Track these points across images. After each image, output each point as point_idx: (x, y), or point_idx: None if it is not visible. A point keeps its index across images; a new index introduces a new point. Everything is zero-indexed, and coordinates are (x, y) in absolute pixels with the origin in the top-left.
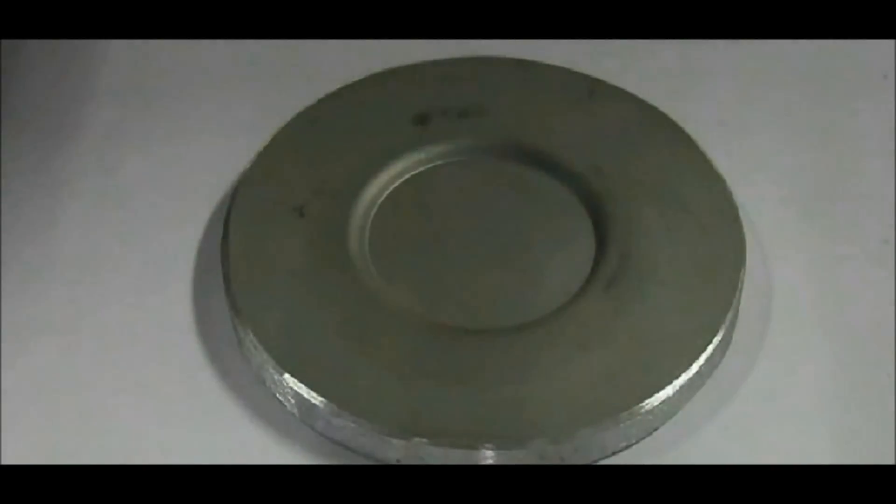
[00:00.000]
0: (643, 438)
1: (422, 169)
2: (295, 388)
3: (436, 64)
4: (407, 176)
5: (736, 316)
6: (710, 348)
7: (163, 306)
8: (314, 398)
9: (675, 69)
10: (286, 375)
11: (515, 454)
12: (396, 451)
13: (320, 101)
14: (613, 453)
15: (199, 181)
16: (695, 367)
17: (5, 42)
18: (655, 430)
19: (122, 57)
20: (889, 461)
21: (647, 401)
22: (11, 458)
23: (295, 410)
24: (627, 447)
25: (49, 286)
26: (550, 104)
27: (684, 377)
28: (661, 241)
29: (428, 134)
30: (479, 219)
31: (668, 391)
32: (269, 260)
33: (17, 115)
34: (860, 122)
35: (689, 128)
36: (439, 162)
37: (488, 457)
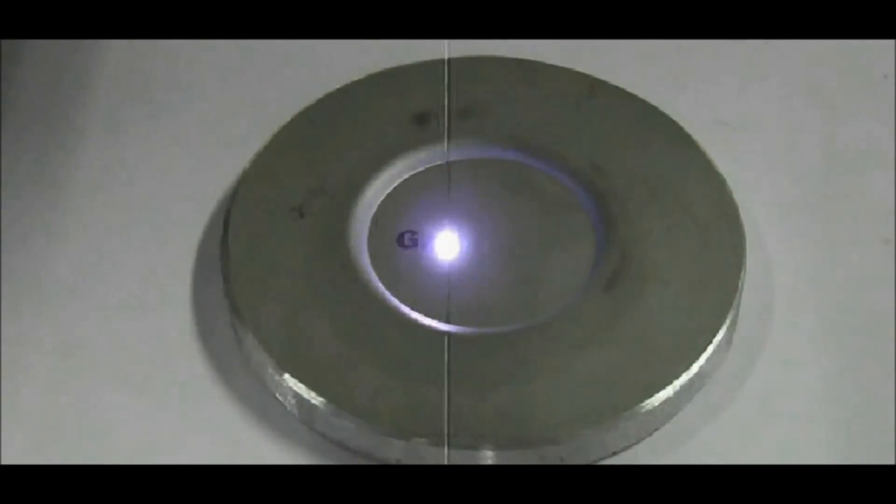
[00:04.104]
0: (643, 438)
1: (422, 169)
2: (295, 388)
3: (436, 64)
4: (407, 176)
5: (736, 316)
6: (710, 348)
7: (162, 306)
8: (314, 398)
9: (675, 69)
10: (286, 375)
11: (515, 454)
12: (396, 451)
13: (320, 101)
14: (614, 453)
15: (199, 181)
16: (695, 368)
17: (5, 42)
18: (655, 430)
19: (122, 57)
20: (889, 461)
21: (647, 401)
22: (11, 458)
23: (295, 410)
24: (627, 447)
25: (48, 286)
26: (550, 104)
27: (684, 377)
28: (661, 241)
29: (428, 134)
30: (480, 218)
31: (669, 391)
32: (269, 260)
33: (17, 115)
34: (860, 122)
35: (689, 128)
36: (439, 162)
37: (488, 457)
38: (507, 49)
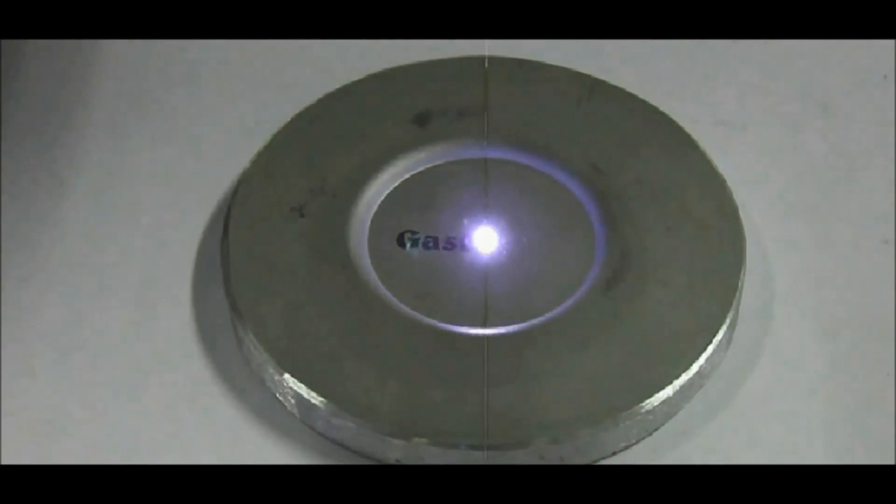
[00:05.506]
0: (643, 438)
1: (422, 169)
2: (295, 388)
3: (436, 64)
4: (407, 176)
5: (736, 316)
6: (710, 348)
7: (162, 306)
8: (314, 398)
9: (675, 69)
10: (286, 375)
11: (515, 454)
12: (396, 451)
13: (320, 101)
14: (613, 453)
15: (199, 181)
16: (695, 367)
17: (5, 42)
18: (655, 430)
19: (122, 57)
20: (889, 461)
21: (647, 401)
22: (11, 458)
23: (295, 410)
24: (627, 447)
25: (48, 286)
26: (550, 104)
27: (684, 377)
28: (661, 241)
29: (428, 134)
30: (479, 218)
31: (668, 391)
32: (269, 260)
33: (17, 115)
34: (860, 122)
35: (689, 128)
36: (439, 162)
37: (488, 457)
38: (508, 49)
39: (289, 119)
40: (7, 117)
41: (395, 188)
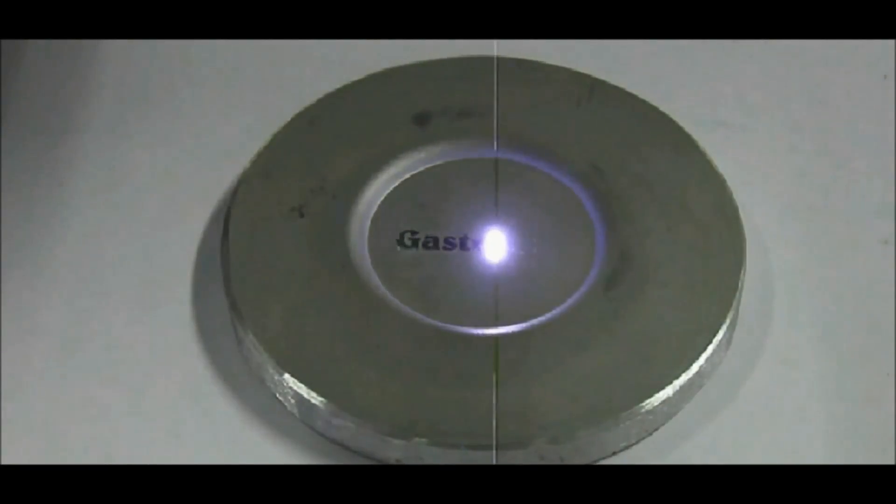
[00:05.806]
0: (643, 438)
1: (422, 169)
2: (295, 388)
3: (436, 64)
4: (407, 176)
5: (736, 316)
6: (710, 348)
7: (162, 306)
8: (314, 398)
9: (675, 69)
10: (286, 375)
11: (515, 454)
12: (396, 451)
13: (320, 101)
14: (613, 453)
15: (199, 181)
16: (695, 367)
17: (5, 42)
18: (655, 430)
19: (122, 57)
20: (889, 461)
21: (647, 401)
22: (11, 458)
23: (295, 410)
24: (627, 447)
25: (48, 286)
26: (550, 104)
27: (684, 377)
28: (661, 241)
29: (428, 134)
30: (480, 218)
31: (668, 391)
32: (269, 260)
33: (17, 115)
34: (860, 122)
35: (689, 128)
36: (439, 162)
37: (488, 457)
38: (508, 49)
39: (289, 119)
40: (7, 117)
41: (395, 188)
